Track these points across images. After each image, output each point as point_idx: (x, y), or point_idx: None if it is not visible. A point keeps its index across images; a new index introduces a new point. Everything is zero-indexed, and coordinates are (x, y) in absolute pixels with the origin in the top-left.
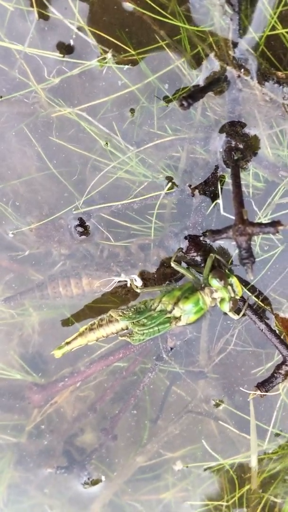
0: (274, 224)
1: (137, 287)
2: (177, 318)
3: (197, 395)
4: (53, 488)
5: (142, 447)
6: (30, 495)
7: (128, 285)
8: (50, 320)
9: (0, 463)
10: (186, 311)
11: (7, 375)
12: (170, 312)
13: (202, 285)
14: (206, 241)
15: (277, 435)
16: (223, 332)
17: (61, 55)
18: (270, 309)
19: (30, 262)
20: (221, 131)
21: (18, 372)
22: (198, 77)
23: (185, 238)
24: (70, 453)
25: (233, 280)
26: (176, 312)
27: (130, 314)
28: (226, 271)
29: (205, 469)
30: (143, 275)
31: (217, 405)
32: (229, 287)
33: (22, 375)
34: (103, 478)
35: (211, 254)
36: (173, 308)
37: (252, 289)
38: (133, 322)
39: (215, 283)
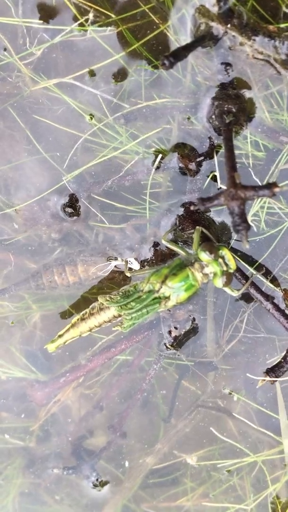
0: (270, 186)
1: (130, 269)
2: (167, 298)
3: (207, 388)
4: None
5: (151, 447)
6: (41, 501)
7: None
8: (52, 316)
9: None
10: (175, 288)
11: (9, 373)
12: (158, 291)
13: (192, 261)
14: (203, 217)
15: None
16: (232, 318)
17: (41, 22)
18: (280, 289)
19: (27, 253)
20: (212, 95)
21: (21, 370)
22: (186, 41)
23: (180, 214)
24: (78, 453)
25: (225, 252)
26: (165, 291)
27: (118, 298)
28: (216, 243)
29: (226, 471)
30: (140, 258)
31: (230, 393)
32: (220, 260)
33: (24, 373)
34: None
35: (197, 227)
36: (161, 287)
37: (261, 270)
38: (120, 306)
39: (204, 256)
